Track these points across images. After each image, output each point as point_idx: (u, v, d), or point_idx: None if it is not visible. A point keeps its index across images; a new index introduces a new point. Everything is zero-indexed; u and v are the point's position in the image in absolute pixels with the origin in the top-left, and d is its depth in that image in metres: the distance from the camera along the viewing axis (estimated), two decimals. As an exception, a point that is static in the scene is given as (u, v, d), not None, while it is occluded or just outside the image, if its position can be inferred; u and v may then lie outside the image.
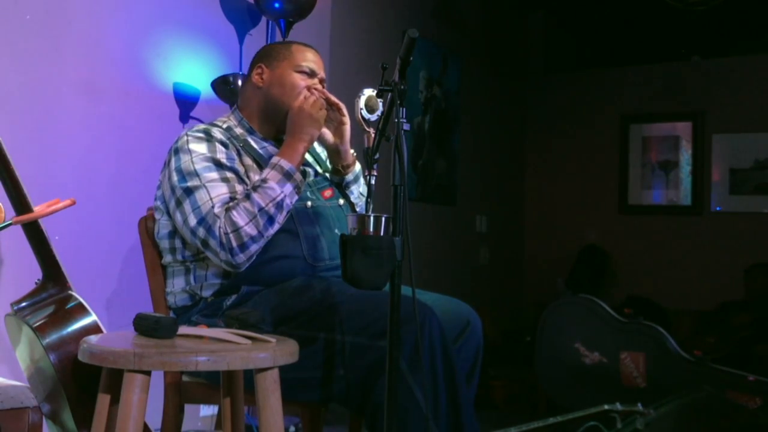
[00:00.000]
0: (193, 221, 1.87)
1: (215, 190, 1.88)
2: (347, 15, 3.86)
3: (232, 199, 1.88)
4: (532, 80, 5.95)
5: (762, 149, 5.18)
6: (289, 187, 1.90)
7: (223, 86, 2.96)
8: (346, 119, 2.09)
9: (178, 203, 1.91)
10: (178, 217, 1.91)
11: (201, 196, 1.87)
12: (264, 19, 3.23)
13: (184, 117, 2.99)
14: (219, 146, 1.97)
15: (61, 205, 1.90)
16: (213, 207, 1.85)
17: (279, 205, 1.87)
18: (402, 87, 1.59)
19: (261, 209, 1.85)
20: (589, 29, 5.81)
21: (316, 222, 2.00)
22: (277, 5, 3.01)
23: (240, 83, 2.94)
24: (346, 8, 3.84)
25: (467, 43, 5.06)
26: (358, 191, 2.19)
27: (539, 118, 5.92)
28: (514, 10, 5.75)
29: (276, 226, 1.89)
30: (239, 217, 1.83)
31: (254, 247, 1.86)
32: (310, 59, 2.12)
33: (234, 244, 1.83)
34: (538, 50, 5.97)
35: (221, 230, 1.83)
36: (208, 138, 1.98)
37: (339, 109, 2.08)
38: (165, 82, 2.93)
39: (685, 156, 5.41)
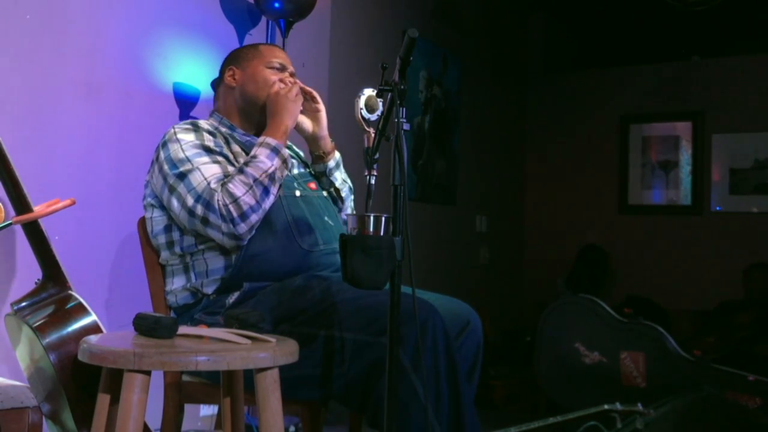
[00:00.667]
0: (190, 201, 1.89)
1: (208, 171, 1.91)
2: (347, 15, 3.86)
3: (225, 176, 1.91)
4: (532, 80, 5.95)
5: (762, 149, 5.18)
6: (278, 161, 1.94)
7: (223, 86, 2.96)
8: (321, 106, 2.17)
9: (172, 189, 1.93)
10: (174, 203, 1.93)
11: (195, 177, 1.90)
12: (264, 19, 3.23)
13: (184, 117, 2.99)
14: (207, 135, 2.01)
15: (61, 205, 1.91)
16: (209, 184, 1.88)
17: (272, 177, 1.91)
18: (402, 87, 1.59)
19: (255, 180, 1.89)
20: (589, 29, 5.82)
21: (306, 210, 2.04)
22: (277, 5, 3.01)
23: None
24: (346, 8, 3.84)
25: (467, 43, 5.06)
26: (341, 177, 2.25)
27: (539, 118, 5.92)
28: (514, 10, 5.75)
29: (271, 198, 1.92)
30: (236, 189, 1.87)
31: (254, 217, 1.88)
32: (279, 55, 2.20)
33: (235, 214, 1.85)
34: (538, 50, 5.97)
35: (220, 203, 1.86)
36: (195, 128, 2.03)
37: (313, 98, 2.17)
38: (165, 82, 2.93)
39: (685, 156, 5.42)
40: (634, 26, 5.56)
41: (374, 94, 1.82)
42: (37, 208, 1.87)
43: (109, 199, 2.71)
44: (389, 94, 1.61)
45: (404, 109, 1.59)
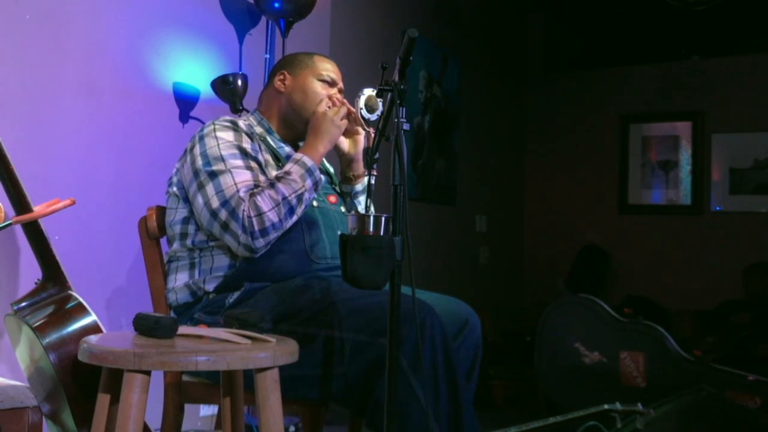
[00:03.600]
0: (215, 203, 1.89)
1: (240, 176, 1.91)
2: (347, 15, 3.86)
3: (256, 186, 1.91)
4: (532, 80, 5.95)
5: (762, 149, 5.18)
6: (309, 183, 1.94)
7: (222, 86, 2.96)
8: (362, 130, 2.15)
9: (201, 186, 1.93)
10: (199, 199, 1.93)
11: (225, 180, 1.90)
12: (264, 18, 3.23)
13: (184, 117, 3.00)
14: (245, 136, 2.01)
15: (61, 205, 1.91)
16: (238, 191, 1.88)
17: (300, 198, 1.91)
18: (402, 87, 1.59)
19: (284, 198, 1.89)
20: (588, 29, 5.82)
21: (320, 221, 2.03)
22: (277, 5, 3.01)
23: (240, 83, 2.95)
24: (346, 8, 3.84)
25: (467, 43, 5.06)
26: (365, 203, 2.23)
27: (539, 117, 5.92)
28: (514, 10, 5.75)
29: (294, 218, 1.92)
30: (263, 203, 1.87)
31: (273, 235, 1.89)
32: (331, 69, 2.20)
33: (256, 227, 1.86)
34: (538, 50, 5.97)
35: (245, 213, 1.86)
36: (235, 127, 2.02)
37: (356, 120, 2.14)
38: (165, 82, 2.93)
39: (685, 156, 5.42)
40: (634, 26, 5.56)
41: (374, 94, 1.82)
42: (37, 208, 1.87)
43: (109, 199, 2.71)
44: (389, 94, 1.61)
45: (404, 108, 1.59)
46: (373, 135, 1.71)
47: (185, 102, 3.00)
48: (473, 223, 5.23)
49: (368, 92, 1.93)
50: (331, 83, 2.17)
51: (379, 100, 1.89)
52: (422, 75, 4.54)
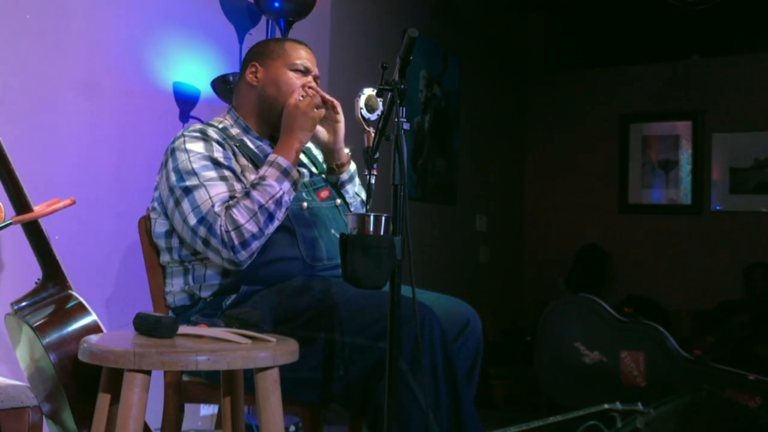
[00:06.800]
0: (193, 220, 1.87)
1: (214, 189, 1.88)
2: (347, 15, 3.86)
3: (231, 197, 1.88)
4: (532, 80, 5.95)
5: (762, 148, 5.18)
6: (287, 184, 1.90)
7: (223, 86, 2.96)
8: (341, 117, 2.09)
9: (177, 203, 1.91)
10: (177, 216, 1.91)
11: (200, 195, 1.87)
12: (264, 18, 3.23)
13: (184, 116, 2.99)
14: (216, 145, 1.97)
15: (61, 204, 1.90)
16: (213, 206, 1.85)
17: (278, 202, 1.88)
18: (402, 86, 1.59)
19: (261, 206, 1.85)
20: (589, 29, 5.82)
21: (312, 222, 2.00)
22: (277, 5, 3.01)
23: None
24: (346, 8, 3.84)
25: (467, 43, 5.06)
26: (353, 191, 2.19)
27: (539, 117, 5.92)
28: (514, 10, 5.75)
29: (276, 223, 1.89)
30: (240, 215, 1.84)
31: (255, 244, 1.86)
32: (304, 56, 2.12)
33: (236, 241, 1.83)
34: (538, 50, 5.97)
35: (222, 228, 1.83)
36: (205, 137, 1.98)
37: (334, 107, 2.08)
38: (165, 82, 2.93)
39: (685, 155, 5.42)
40: (634, 26, 5.56)
41: (374, 93, 1.82)
42: (37, 208, 1.87)
43: (109, 198, 2.71)
44: (389, 93, 1.61)
45: (404, 108, 1.59)
46: (373, 135, 1.70)
47: (185, 102, 3.00)
48: (473, 223, 5.23)
49: (368, 92, 1.93)
50: (305, 71, 2.09)
51: (379, 99, 1.89)
52: (422, 75, 4.54)
